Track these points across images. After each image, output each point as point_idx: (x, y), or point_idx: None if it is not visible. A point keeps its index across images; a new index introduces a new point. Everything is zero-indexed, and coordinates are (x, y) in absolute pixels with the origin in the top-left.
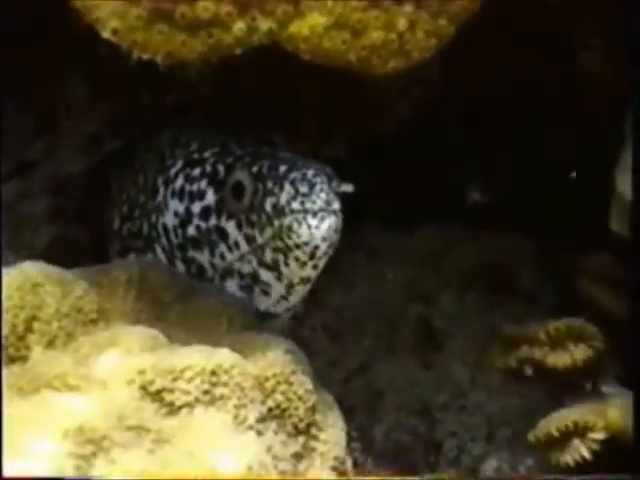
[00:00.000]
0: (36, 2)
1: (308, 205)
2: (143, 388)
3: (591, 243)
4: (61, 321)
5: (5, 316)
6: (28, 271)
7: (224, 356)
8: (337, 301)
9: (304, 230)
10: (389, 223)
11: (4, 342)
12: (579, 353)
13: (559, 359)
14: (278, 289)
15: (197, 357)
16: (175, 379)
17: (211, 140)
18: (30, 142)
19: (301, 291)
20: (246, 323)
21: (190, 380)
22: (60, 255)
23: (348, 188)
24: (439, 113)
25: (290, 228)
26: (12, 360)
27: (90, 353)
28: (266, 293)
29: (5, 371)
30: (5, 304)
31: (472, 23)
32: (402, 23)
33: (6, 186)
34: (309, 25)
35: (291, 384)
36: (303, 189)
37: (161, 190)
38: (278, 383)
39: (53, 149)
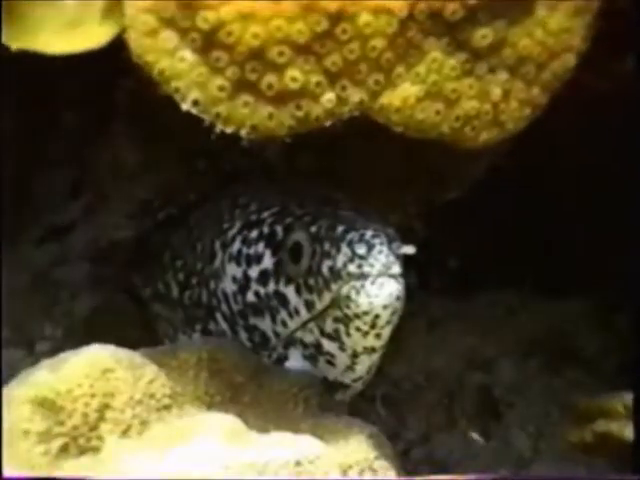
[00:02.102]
0: (90, 62)
1: (366, 269)
2: None
3: None
4: (135, 409)
5: (75, 405)
6: (97, 355)
7: (308, 446)
8: (396, 371)
9: (363, 299)
10: (449, 290)
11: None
12: None
13: None
14: (342, 359)
15: (281, 449)
16: (260, 472)
17: (271, 201)
18: (66, 204)
19: (367, 361)
20: (323, 404)
21: (276, 473)
22: (103, 325)
23: (409, 250)
24: (500, 179)
25: (348, 297)
26: (82, 451)
27: (168, 444)
28: (331, 363)
29: (75, 463)
30: (75, 392)
31: None
32: (496, 92)
33: (40, 250)
34: (401, 96)
35: (375, 471)
36: (360, 251)
37: (219, 254)
38: (362, 470)
39: (94, 213)
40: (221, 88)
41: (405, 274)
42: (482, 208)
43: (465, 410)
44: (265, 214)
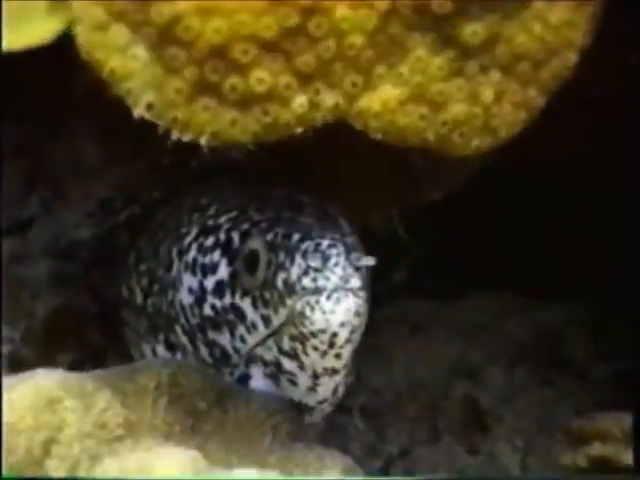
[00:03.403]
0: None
1: (321, 282)
2: None
3: None
4: (84, 442)
5: (18, 440)
6: (42, 383)
7: None
8: (375, 380)
9: (318, 316)
10: (433, 294)
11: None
12: None
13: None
14: (303, 379)
15: None
16: None
17: (231, 203)
18: (25, 198)
19: (330, 383)
20: (292, 432)
21: None
22: (63, 326)
23: (369, 261)
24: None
25: (302, 314)
26: None
27: None
28: (293, 383)
29: None
30: (18, 425)
31: None
32: (488, 94)
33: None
34: (381, 98)
35: None
36: (314, 263)
37: (175, 263)
38: None
39: (53, 209)
40: (178, 90)
41: (394, 273)
42: (469, 209)
43: (449, 422)
44: (222, 219)
